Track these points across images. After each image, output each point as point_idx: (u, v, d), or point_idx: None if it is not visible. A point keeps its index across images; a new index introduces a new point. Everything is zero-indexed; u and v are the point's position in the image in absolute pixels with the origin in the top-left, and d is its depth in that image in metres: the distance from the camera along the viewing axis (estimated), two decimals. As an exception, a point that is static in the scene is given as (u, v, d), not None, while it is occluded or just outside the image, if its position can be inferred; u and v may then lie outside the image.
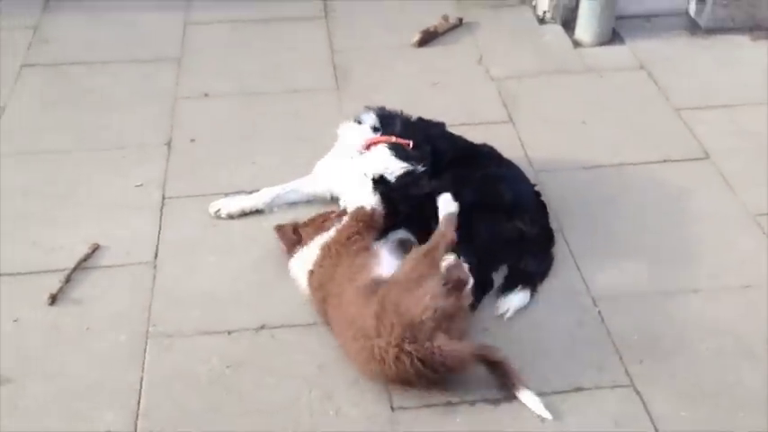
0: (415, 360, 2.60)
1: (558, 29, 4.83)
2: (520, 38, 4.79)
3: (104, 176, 3.72)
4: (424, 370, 2.62)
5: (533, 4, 5.00)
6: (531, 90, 4.32)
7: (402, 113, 3.50)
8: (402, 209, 3.17)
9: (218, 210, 3.46)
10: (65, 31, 4.81)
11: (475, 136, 3.59)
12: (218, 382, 2.78)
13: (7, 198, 3.59)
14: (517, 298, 3.03)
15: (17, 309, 3.04)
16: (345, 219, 3.12)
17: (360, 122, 3.44)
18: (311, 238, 3.11)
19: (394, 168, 3.20)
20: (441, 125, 3.50)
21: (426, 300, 2.66)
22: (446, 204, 3.05)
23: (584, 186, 3.64)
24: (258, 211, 3.48)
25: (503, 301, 3.02)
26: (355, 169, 3.28)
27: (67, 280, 3.15)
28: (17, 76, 4.42)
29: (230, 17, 4.94)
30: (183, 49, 4.67)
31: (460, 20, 4.92)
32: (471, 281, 2.80)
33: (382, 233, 3.15)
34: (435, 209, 3.07)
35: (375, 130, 3.40)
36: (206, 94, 4.31)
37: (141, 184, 3.67)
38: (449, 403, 2.69)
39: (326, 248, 3.02)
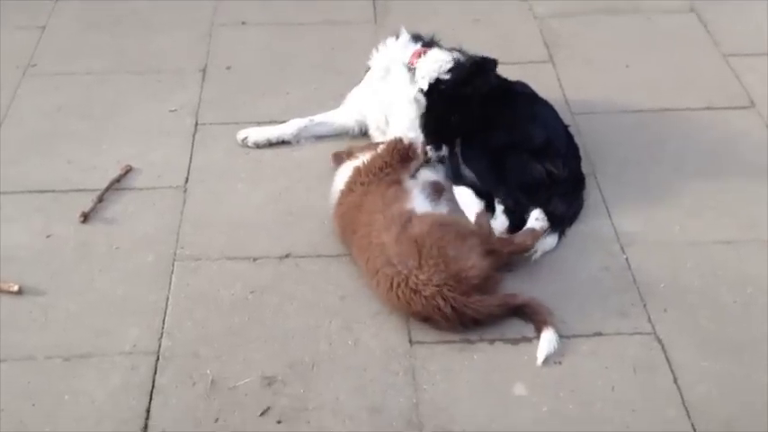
0: (448, 307, 2.64)
1: (607, -33, 4.65)
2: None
3: (140, 100, 3.75)
4: (452, 317, 2.65)
5: (584, -60, 4.81)
6: (575, 30, 4.19)
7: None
8: (460, 108, 3.10)
9: (245, 138, 3.46)
10: (106, -47, 4.79)
11: (513, 74, 3.49)
12: (240, 306, 2.82)
13: (45, 117, 3.64)
14: (545, 241, 3.00)
15: (50, 225, 3.11)
16: (381, 147, 3.10)
17: (397, 37, 3.35)
18: (356, 158, 3.11)
19: (446, 65, 3.13)
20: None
21: (474, 258, 2.69)
22: (536, 222, 2.97)
23: (623, 131, 3.55)
24: (285, 142, 3.47)
25: None
26: (402, 92, 3.21)
27: (100, 200, 3.20)
28: (58, -3, 4.44)
29: (272, -56, 4.86)
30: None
31: (506, -45, 4.76)
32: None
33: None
34: (491, 107, 3.07)
35: (416, 39, 3.33)
36: (243, 22, 4.27)
37: (175, 110, 3.69)
38: (467, 341, 2.70)
39: (358, 171, 3.01)
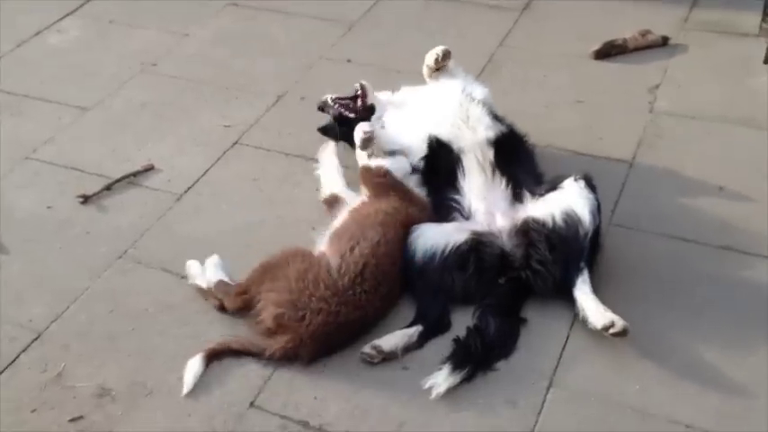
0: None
1: (782, 72, 3.81)
2: (726, 73, 3.90)
3: (210, 110, 3.89)
4: None
5: (772, 38, 3.99)
6: (690, 134, 3.51)
7: None
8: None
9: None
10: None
11: (581, 167, 3.04)
12: (139, 316, 2.82)
13: (129, 108, 3.94)
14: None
15: (58, 199, 3.36)
16: None
17: None
18: None
19: None
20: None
21: None
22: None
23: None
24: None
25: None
26: None
27: (108, 188, 3.40)
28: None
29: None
30: (363, 15, 4.63)
31: (665, 39, 4.14)
32: None
33: None
34: None
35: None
36: (348, 60, 4.25)
37: (229, 126, 3.78)
38: None
39: None
